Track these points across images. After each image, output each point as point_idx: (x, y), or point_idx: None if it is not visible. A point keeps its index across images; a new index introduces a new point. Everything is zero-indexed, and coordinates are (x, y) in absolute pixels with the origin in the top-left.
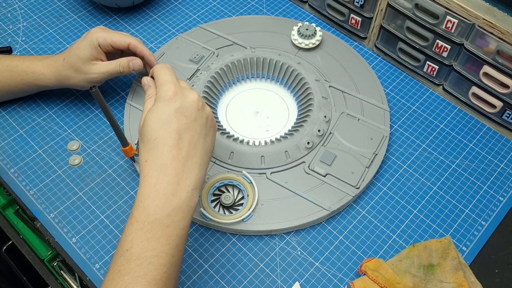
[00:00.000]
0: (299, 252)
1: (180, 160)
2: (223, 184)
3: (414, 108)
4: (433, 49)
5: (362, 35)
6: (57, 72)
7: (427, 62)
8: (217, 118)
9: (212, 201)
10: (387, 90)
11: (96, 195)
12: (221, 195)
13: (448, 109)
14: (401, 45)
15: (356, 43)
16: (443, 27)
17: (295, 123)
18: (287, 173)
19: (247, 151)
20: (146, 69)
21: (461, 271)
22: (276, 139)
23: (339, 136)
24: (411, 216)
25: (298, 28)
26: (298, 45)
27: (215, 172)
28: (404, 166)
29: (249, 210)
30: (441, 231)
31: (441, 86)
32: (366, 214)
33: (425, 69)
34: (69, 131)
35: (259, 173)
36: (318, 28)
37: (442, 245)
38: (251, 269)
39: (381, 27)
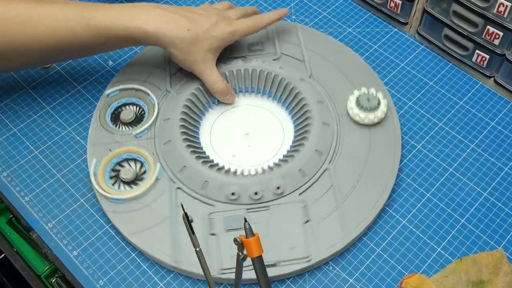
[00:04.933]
0: (330, 267)
1: None
2: (121, 159)
3: (461, 103)
4: (483, 36)
5: (402, 20)
6: (175, 37)
7: (476, 51)
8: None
9: (112, 177)
10: (430, 83)
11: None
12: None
13: (500, 104)
14: (446, 31)
15: (395, 29)
16: (495, 11)
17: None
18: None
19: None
20: None
21: None
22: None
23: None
24: (458, 226)
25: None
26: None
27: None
28: (450, 169)
29: (151, 179)
30: (492, 243)
31: (492, 78)
32: (407, 224)
33: (474, 59)
34: (69, 129)
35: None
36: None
37: (494, 259)
38: (277, 286)
39: (424, 11)
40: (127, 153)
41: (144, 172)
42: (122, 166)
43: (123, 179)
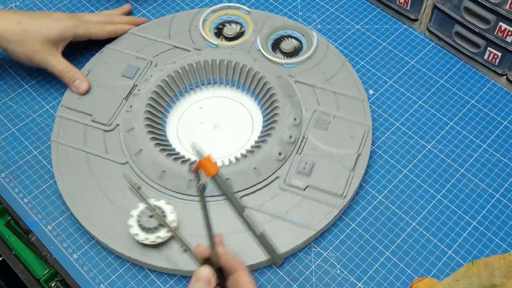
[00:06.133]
0: (338, 271)
1: None
2: (222, 20)
3: (472, 102)
4: (495, 33)
5: (412, 16)
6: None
7: (488, 48)
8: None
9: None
10: (441, 81)
11: None
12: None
13: None
14: (457, 28)
15: (405, 26)
16: (507, 7)
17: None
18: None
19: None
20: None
21: None
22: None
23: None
24: (469, 228)
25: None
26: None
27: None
28: (462, 170)
29: (250, 36)
30: (504, 245)
31: (504, 76)
32: (417, 226)
33: (485, 57)
34: None
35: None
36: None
37: (506, 262)
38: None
39: (435, 7)
40: (227, 15)
41: (243, 30)
42: (224, 26)
43: (226, 35)
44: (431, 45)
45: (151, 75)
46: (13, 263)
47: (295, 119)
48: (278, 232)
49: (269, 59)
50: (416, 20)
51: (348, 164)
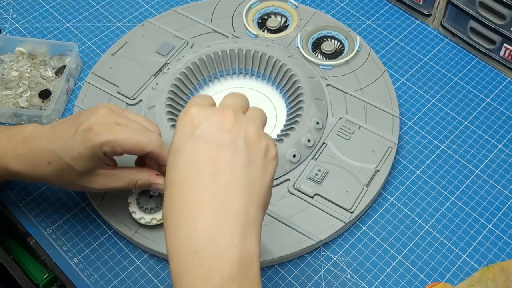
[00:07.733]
0: (349, 276)
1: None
2: (267, 11)
3: (488, 100)
4: (511, 29)
5: (425, 11)
6: (38, 176)
7: (504, 44)
8: None
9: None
10: (455, 79)
11: None
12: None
13: None
14: (472, 23)
15: (418, 22)
16: None
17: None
18: None
19: None
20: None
21: None
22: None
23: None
24: (484, 232)
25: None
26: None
27: None
28: (476, 171)
29: (292, 31)
30: None
31: None
32: (430, 229)
33: (501, 53)
34: None
35: None
36: None
37: None
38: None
39: (449, 2)
40: (274, 6)
41: (287, 24)
42: (269, 17)
43: (269, 27)
44: (445, 41)
45: (184, 56)
46: (11, 268)
47: (317, 123)
48: (275, 236)
49: (305, 58)
50: (429, 15)
51: (363, 179)
